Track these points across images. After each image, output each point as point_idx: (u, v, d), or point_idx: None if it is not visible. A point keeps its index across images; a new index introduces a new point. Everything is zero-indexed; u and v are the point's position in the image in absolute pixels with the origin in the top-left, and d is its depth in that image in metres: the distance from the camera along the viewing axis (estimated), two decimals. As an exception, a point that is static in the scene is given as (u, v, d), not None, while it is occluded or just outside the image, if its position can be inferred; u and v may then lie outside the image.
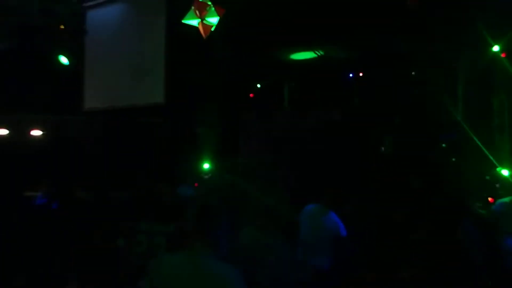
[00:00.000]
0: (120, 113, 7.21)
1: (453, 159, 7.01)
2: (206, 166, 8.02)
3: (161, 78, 6.11)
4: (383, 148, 7.23)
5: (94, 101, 7.06)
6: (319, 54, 7.15)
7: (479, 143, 5.88)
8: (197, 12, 4.85)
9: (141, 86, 6.40)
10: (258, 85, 8.51)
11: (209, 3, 4.64)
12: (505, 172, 5.20)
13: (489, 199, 5.57)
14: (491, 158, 5.70)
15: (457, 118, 6.54)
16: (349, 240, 4.10)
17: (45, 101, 7.67)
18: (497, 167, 5.48)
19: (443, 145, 7.07)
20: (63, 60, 6.16)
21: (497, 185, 5.30)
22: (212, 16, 4.77)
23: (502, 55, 6.78)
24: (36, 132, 8.57)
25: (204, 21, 4.80)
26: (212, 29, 4.74)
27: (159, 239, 2.83)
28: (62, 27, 6.23)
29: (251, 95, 8.73)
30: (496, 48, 6.27)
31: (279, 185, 6.53)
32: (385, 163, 7.19)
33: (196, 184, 6.97)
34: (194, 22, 4.88)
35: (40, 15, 6.38)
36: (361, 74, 7.82)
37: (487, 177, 5.74)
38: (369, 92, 7.39)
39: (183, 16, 4.78)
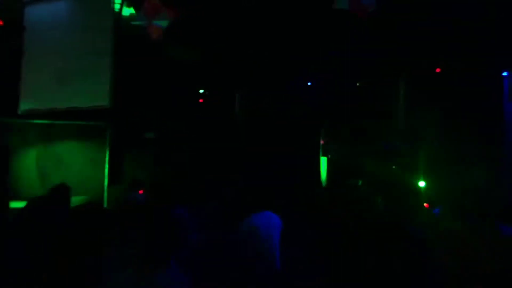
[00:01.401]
0: (61, 116, 6.83)
1: (394, 167, 7.38)
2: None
3: (107, 80, 5.86)
4: (329, 156, 7.46)
5: (32, 102, 6.61)
6: None
7: (405, 153, 6.26)
8: (147, 13, 4.74)
9: (85, 88, 6.09)
10: (201, 90, 8.44)
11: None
12: (421, 183, 5.54)
13: (425, 204, 5.94)
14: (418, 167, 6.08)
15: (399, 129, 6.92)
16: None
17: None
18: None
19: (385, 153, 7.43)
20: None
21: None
22: (163, 17, 4.68)
23: (437, 70, 7.31)
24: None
25: (154, 23, 4.70)
26: (162, 30, 4.66)
27: None
28: (-3, 22, 5.81)
29: (200, 100, 8.65)
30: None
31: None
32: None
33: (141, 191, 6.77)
34: (144, 23, 4.76)
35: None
36: (309, 84, 8.05)
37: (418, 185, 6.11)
38: (318, 100, 7.63)
39: (131, 15, 4.65)
